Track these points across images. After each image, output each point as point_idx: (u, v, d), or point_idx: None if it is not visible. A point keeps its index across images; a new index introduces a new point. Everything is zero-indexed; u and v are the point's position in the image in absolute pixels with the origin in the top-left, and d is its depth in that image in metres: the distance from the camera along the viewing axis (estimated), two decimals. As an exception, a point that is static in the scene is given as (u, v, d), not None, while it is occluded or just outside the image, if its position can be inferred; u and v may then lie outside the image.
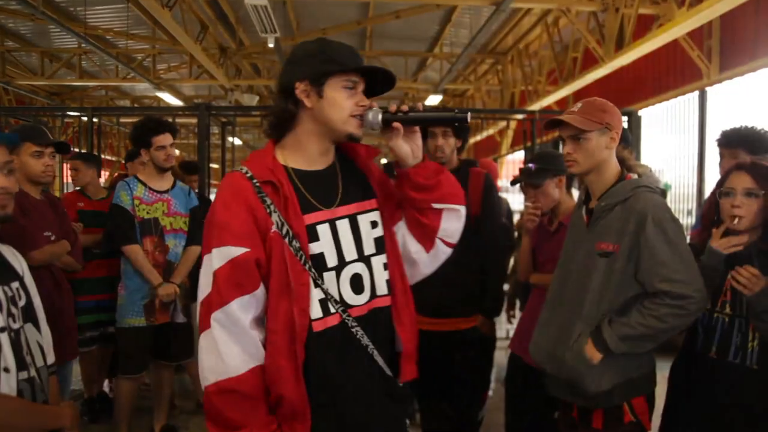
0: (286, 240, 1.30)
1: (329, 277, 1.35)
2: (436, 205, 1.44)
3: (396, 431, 1.49)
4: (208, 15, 8.28)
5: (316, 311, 1.32)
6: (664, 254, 1.69)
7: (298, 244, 1.31)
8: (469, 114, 1.39)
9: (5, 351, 1.33)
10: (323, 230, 1.37)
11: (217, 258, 1.28)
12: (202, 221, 3.22)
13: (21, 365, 1.38)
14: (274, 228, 1.30)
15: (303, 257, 1.31)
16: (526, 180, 2.53)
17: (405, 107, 1.39)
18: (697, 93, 6.28)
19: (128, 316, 3.03)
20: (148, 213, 3.04)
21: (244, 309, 1.28)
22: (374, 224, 1.44)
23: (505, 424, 2.75)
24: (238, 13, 8.22)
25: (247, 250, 1.28)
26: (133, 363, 3.08)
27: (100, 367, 3.75)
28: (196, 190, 4.07)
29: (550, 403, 2.12)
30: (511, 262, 4.32)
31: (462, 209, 1.50)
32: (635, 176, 1.84)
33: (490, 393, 3.96)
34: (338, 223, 1.39)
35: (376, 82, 1.42)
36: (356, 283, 1.38)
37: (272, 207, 1.31)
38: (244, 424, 1.27)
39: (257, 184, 1.32)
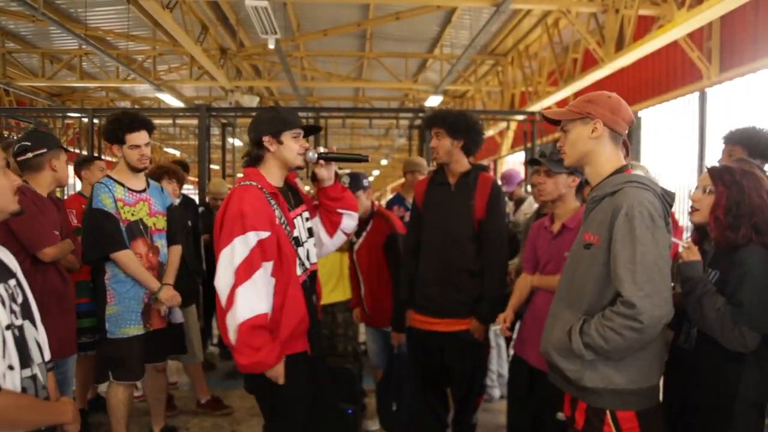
0: (284, 227, 2.10)
1: (301, 250, 2.19)
2: (340, 210, 2.34)
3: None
4: (209, 16, 8.29)
5: (299, 270, 2.16)
6: (625, 251, 1.60)
7: (288, 230, 2.12)
8: (368, 157, 2.29)
9: (10, 348, 1.34)
10: (298, 222, 2.23)
11: (254, 238, 1.99)
12: (179, 220, 3.16)
13: (24, 363, 1.40)
14: (277, 220, 2.08)
15: (292, 238, 2.14)
16: (545, 162, 2.46)
17: (327, 150, 2.27)
18: (697, 94, 6.29)
19: (125, 325, 2.80)
20: (133, 215, 2.83)
21: (267, 271, 2.03)
22: (306, 219, 2.30)
23: (507, 425, 2.75)
24: (239, 14, 8.24)
25: (270, 233, 2.03)
26: (131, 371, 2.85)
27: (91, 374, 3.63)
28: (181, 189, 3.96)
29: (553, 404, 2.12)
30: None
31: (355, 214, 2.39)
32: (639, 172, 1.81)
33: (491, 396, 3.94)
34: (297, 218, 2.23)
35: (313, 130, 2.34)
36: (309, 255, 2.26)
37: (275, 206, 2.09)
38: (263, 346, 1.97)
39: (266, 193, 2.09)
